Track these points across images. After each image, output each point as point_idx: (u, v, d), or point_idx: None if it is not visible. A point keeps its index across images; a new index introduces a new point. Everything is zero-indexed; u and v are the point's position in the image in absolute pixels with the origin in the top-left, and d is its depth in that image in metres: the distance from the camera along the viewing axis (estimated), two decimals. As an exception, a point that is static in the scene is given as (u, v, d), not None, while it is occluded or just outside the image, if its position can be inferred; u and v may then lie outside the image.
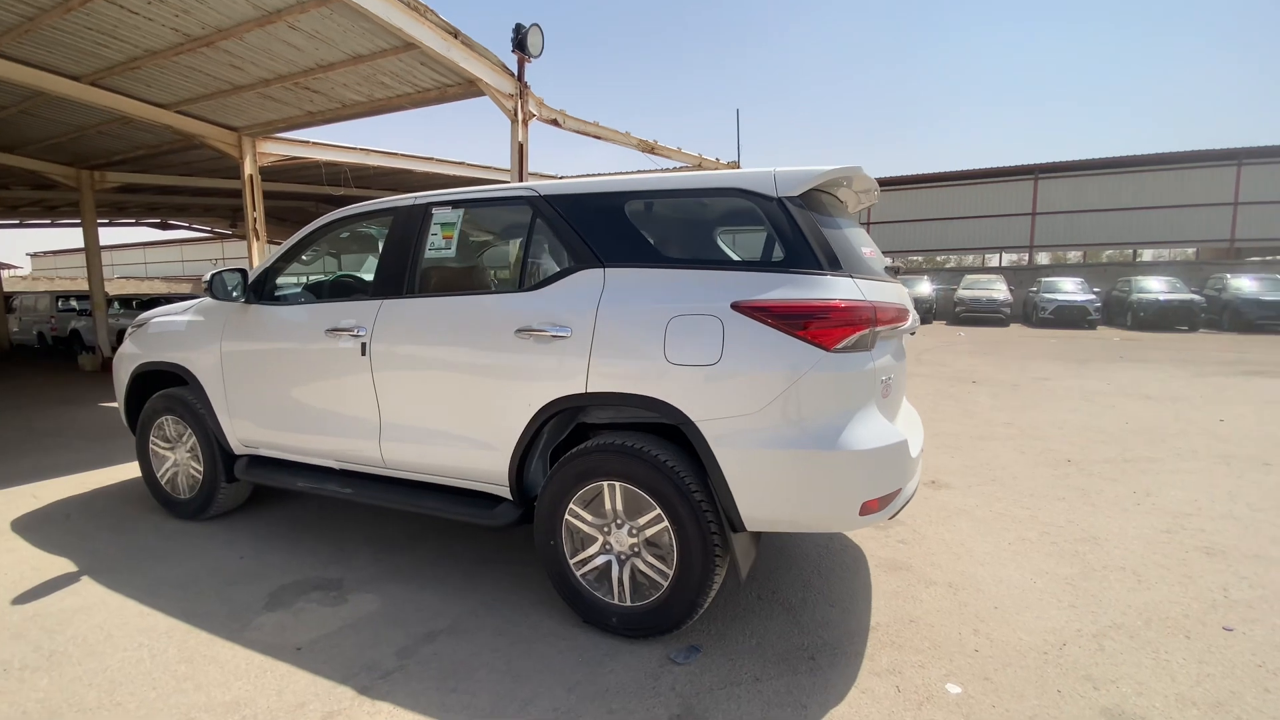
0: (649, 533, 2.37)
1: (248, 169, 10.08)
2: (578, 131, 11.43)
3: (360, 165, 12.76)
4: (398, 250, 2.96)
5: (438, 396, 2.75)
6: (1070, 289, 19.34)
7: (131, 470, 4.54)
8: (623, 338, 2.33)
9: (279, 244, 3.86)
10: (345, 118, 9.65)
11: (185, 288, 32.51)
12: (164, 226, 21.15)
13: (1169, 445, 5.32)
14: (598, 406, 2.51)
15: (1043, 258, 27.28)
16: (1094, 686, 2.18)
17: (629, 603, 2.42)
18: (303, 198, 17.75)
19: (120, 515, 3.78)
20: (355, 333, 2.91)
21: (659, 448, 2.35)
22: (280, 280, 3.43)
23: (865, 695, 2.15)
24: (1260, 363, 10.56)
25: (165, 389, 3.68)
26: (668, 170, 15.10)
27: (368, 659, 2.33)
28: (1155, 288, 18.25)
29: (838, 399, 2.12)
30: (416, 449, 2.84)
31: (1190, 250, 25.00)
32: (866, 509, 2.15)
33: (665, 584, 2.35)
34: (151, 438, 3.73)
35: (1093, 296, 18.93)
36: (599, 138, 12.14)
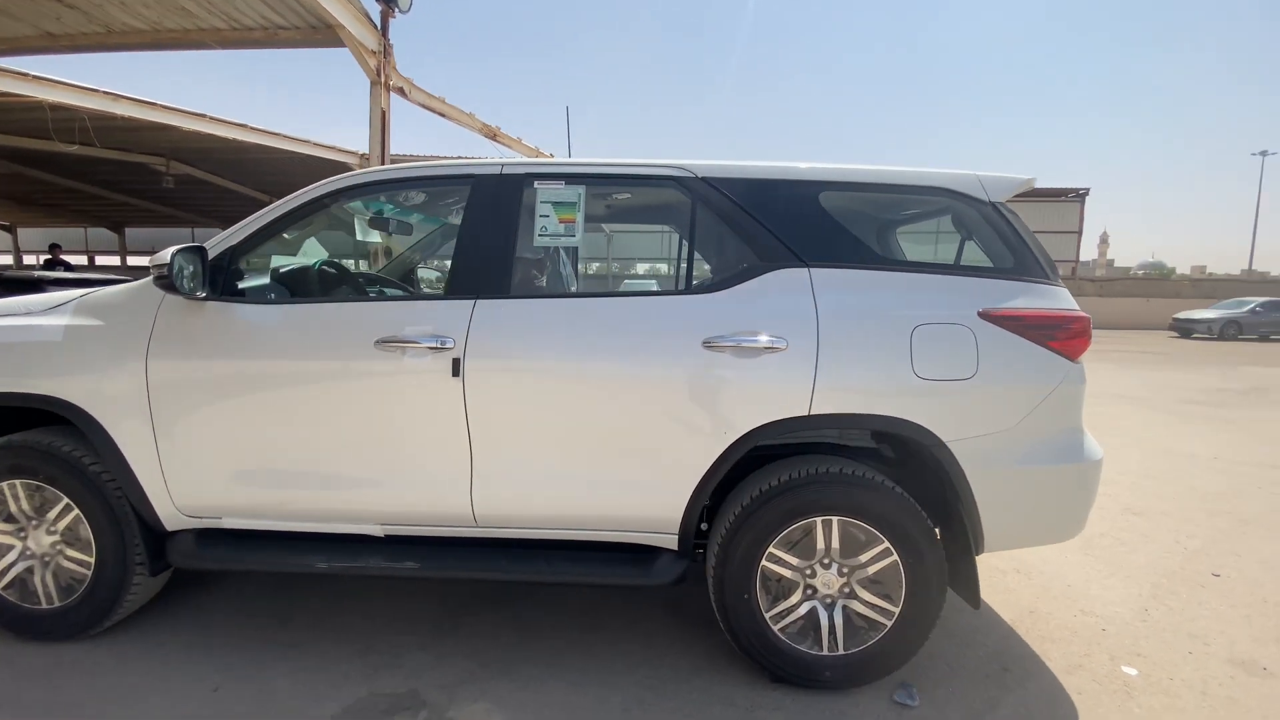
0: (871, 570, 2.11)
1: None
2: (423, 105, 10.16)
3: (104, 113, 9.62)
4: (490, 234, 2.21)
5: (575, 427, 2.12)
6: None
7: None
8: (860, 350, 2.03)
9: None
10: (111, 48, 7.14)
11: None
12: None
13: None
14: (811, 430, 2.16)
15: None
16: (1204, 643, 2.52)
17: (841, 650, 2.13)
18: (9, 155, 12.95)
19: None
20: (438, 345, 2.09)
21: (876, 472, 2.11)
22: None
23: (1082, 696, 2.19)
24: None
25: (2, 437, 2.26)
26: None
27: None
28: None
29: (1073, 411, 2.11)
30: (532, 498, 2.16)
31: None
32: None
33: (889, 623, 2.11)
34: (-28, 519, 2.26)
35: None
36: (444, 115, 10.98)
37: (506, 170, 2.28)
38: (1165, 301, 24.83)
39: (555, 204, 2.25)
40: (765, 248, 2.16)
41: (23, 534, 2.31)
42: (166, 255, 2.02)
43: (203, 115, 11.26)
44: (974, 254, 2.31)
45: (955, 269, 2.19)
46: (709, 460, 2.07)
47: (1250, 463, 5.17)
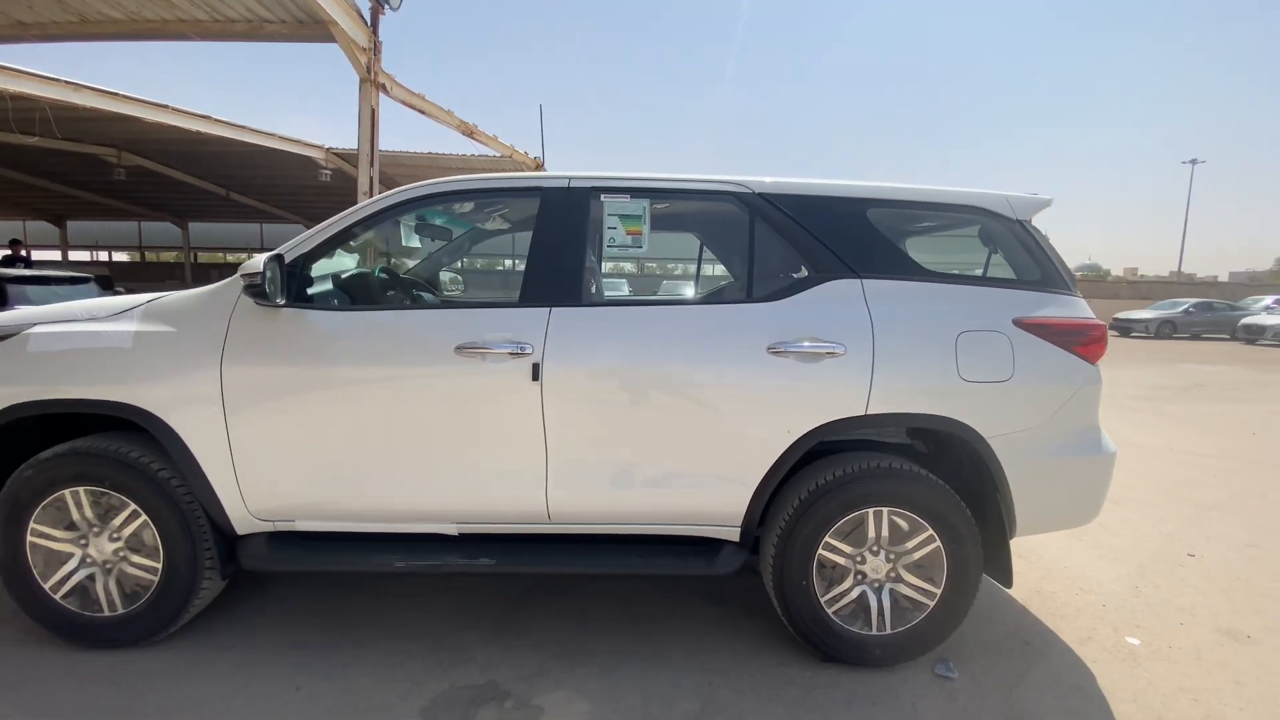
0: (916, 555, 2.31)
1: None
2: (403, 102, 10.06)
3: (64, 103, 9.17)
4: (563, 244, 2.31)
5: (645, 428, 2.24)
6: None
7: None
8: (912, 353, 2.22)
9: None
10: (84, 37, 6.87)
11: None
12: None
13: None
14: (868, 429, 2.34)
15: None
16: (1192, 615, 2.82)
17: (888, 630, 2.33)
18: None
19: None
20: (518, 350, 2.18)
21: (919, 467, 2.31)
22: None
23: (1096, 664, 2.44)
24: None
25: (49, 445, 2.24)
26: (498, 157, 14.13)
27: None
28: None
29: (1093, 409, 2.35)
30: (605, 495, 2.28)
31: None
32: (1101, 504, 2.44)
33: (931, 604, 2.32)
34: (33, 525, 2.24)
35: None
36: (423, 112, 10.89)
37: (574, 183, 2.39)
38: (1104, 302, 26.31)
39: (622, 216, 2.36)
40: (820, 260, 2.33)
41: (83, 542, 2.29)
42: (259, 263, 2.05)
43: (165, 106, 10.81)
44: (973, 261, 2.54)
45: (989, 281, 2.41)
46: (773, 458, 2.23)
47: (1199, 453, 5.66)
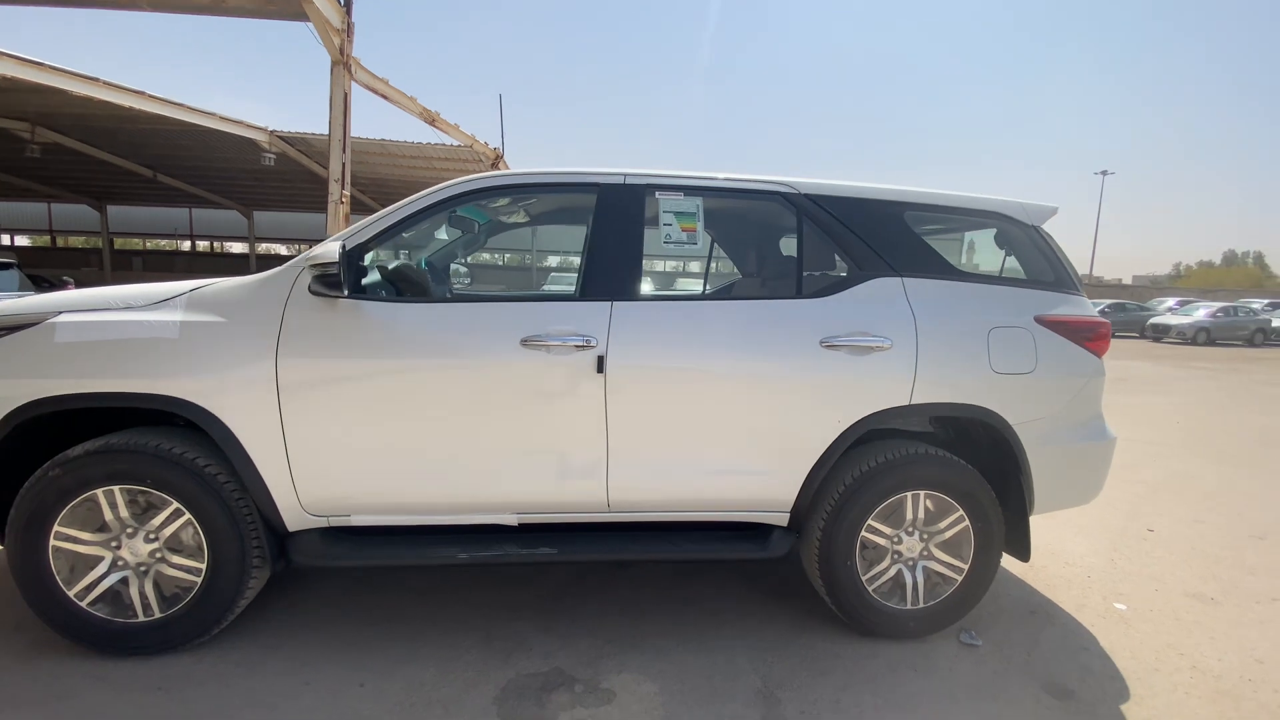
0: (948, 534, 2.49)
1: None
2: (366, 86, 9.75)
3: (-21, 70, 8.38)
4: (620, 240, 2.36)
5: (701, 419, 2.33)
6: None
7: None
8: (951, 347, 2.39)
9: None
10: (22, 1, 6.27)
11: None
12: None
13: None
14: (911, 418, 2.49)
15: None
16: (1163, 583, 3.16)
17: (923, 604, 2.51)
18: None
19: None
20: (584, 343, 2.22)
21: (949, 452, 2.49)
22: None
23: (1095, 627, 2.71)
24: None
25: (81, 440, 2.11)
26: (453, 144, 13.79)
27: (761, 744, 1.92)
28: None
29: (1098, 398, 2.60)
30: (660, 484, 2.35)
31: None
32: (1100, 485, 2.70)
33: (959, 578, 2.51)
34: (58, 529, 2.10)
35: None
36: (386, 97, 10.57)
37: (629, 180, 2.43)
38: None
39: (677, 213, 2.43)
40: (863, 259, 2.47)
41: (114, 544, 2.17)
42: (333, 253, 2.00)
43: (95, 79, 10.01)
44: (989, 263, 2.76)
45: (1011, 281, 2.62)
46: (824, 446, 2.36)
47: (1136, 440, 6.24)
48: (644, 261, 2.40)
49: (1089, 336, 2.54)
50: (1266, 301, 25.92)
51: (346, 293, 2.11)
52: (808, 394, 2.35)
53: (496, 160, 15.86)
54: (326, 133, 14.97)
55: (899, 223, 2.54)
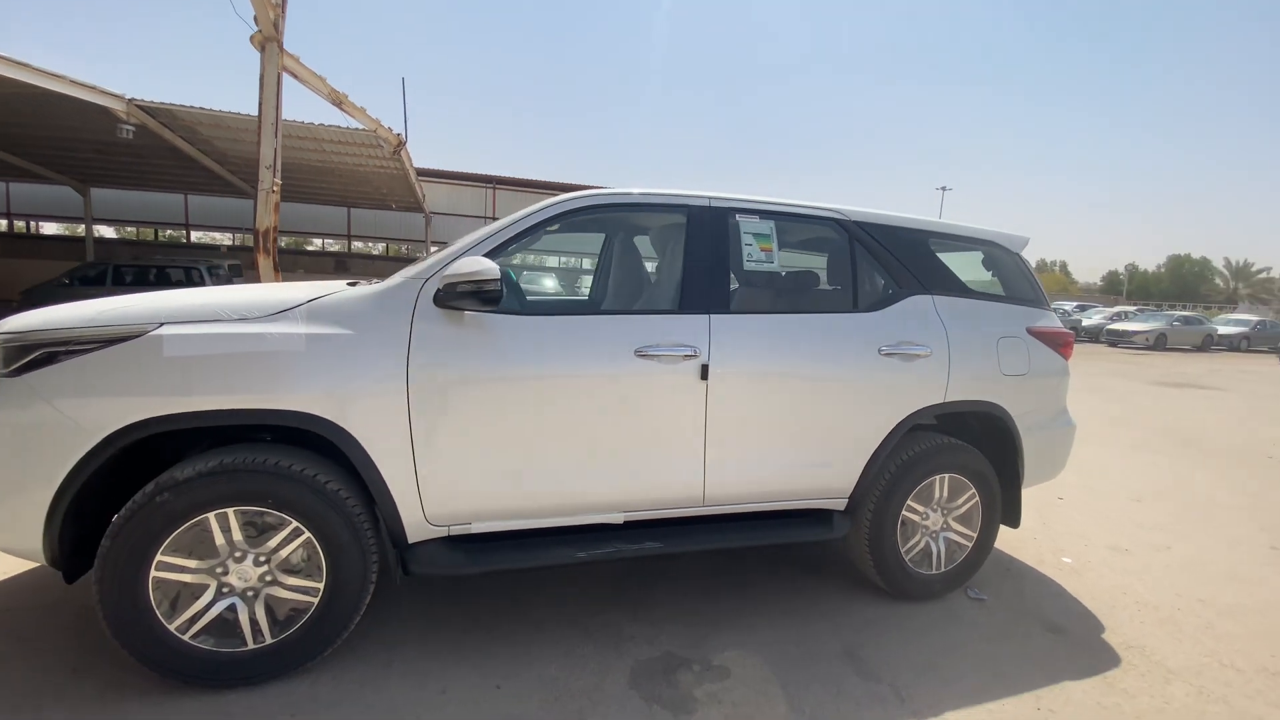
0: (963, 509, 3.00)
1: None
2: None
3: None
4: (711, 257, 2.58)
5: (784, 419, 2.63)
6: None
7: None
8: (973, 354, 2.88)
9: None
10: None
11: None
12: None
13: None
14: (944, 413, 2.94)
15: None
16: (1087, 540, 3.95)
17: (943, 569, 3.00)
18: None
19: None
20: (691, 353, 2.43)
21: (963, 441, 3.01)
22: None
23: (1057, 575, 3.37)
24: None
25: (189, 459, 1.98)
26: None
27: (870, 691, 2.27)
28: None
29: (1065, 393, 3.24)
30: (748, 478, 2.63)
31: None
32: (1062, 463, 3.36)
33: (969, 545, 3.04)
34: (159, 558, 1.95)
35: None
36: (295, 76, 9.76)
37: (714, 203, 2.66)
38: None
39: (755, 235, 2.70)
40: (902, 278, 2.90)
41: (220, 570, 2.05)
42: (491, 269, 2.03)
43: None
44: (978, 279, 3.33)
45: (1006, 298, 3.17)
46: (880, 439, 2.75)
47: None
48: (730, 277, 2.65)
49: (1062, 344, 3.16)
50: (1076, 304, 31.13)
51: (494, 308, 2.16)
52: (870, 395, 2.73)
53: (399, 147, 15.07)
54: (194, 106, 13.40)
55: (925, 247, 3.00)
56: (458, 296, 2.12)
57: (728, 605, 2.85)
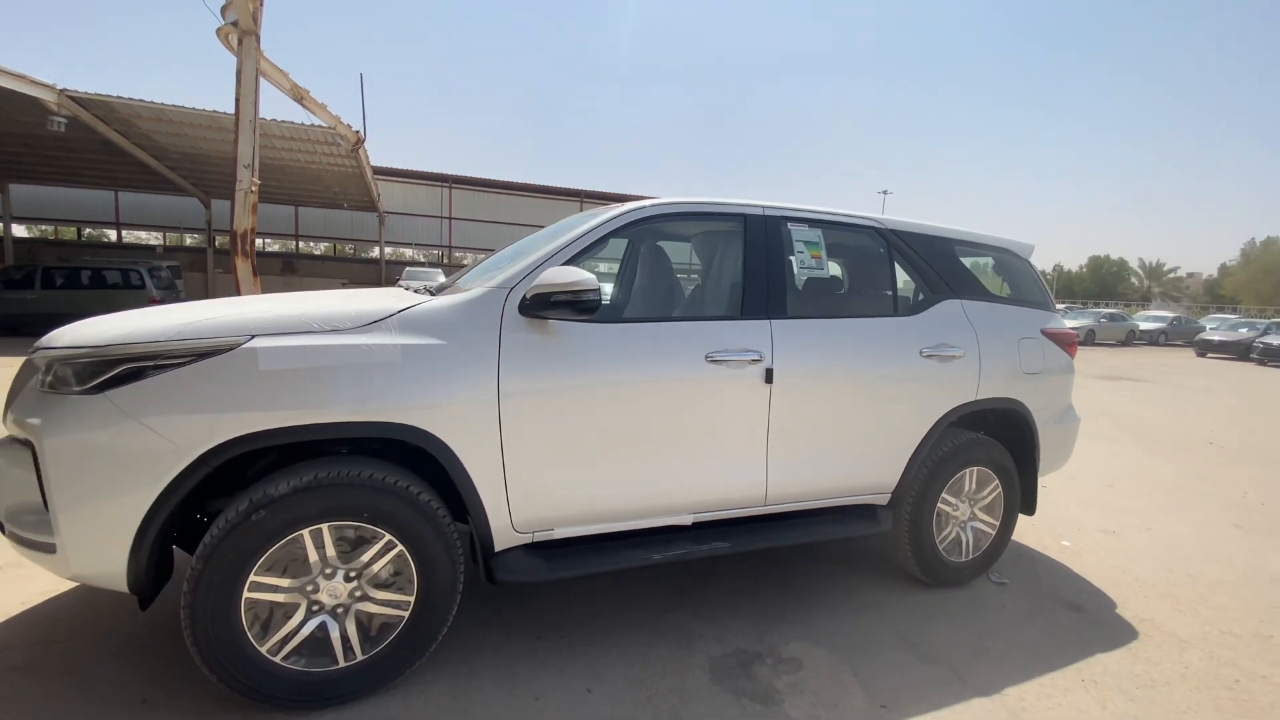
0: (988, 500, 3.21)
1: None
2: (235, 53, 8.50)
3: None
4: (770, 265, 2.68)
5: (838, 419, 2.76)
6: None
7: None
8: (999, 355, 3.09)
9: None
10: None
11: None
12: None
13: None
14: (975, 410, 3.12)
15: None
16: (1079, 525, 4.27)
17: (970, 557, 3.20)
18: None
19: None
20: (757, 357, 2.52)
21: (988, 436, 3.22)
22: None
23: (1060, 557, 3.64)
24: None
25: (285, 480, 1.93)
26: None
27: (934, 674, 2.42)
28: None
29: (1071, 390, 3.50)
30: (807, 477, 2.74)
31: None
32: (1066, 454, 3.63)
33: (993, 533, 3.25)
34: (253, 578, 1.89)
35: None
36: (258, 70, 9.33)
37: (768, 212, 2.76)
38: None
39: (807, 243, 2.81)
40: (934, 284, 3.08)
41: (310, 588, 2.00)
42: (589, 279, 2.06)
43: None
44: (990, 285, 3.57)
45: (1021, 301, 3.40)
46: (921, 435, 2.92)
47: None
48: (785, 283, 2.75)
49: (1068, 343, 3.42)
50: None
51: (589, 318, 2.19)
52: (914, 394, 2.89)
53: (358, 144, 14.61)
54: (133, 98, 12.62)
55: (953, 255, 3.19)
56: (550, 306, 2.15)
57: (778, 601, 2.96)
